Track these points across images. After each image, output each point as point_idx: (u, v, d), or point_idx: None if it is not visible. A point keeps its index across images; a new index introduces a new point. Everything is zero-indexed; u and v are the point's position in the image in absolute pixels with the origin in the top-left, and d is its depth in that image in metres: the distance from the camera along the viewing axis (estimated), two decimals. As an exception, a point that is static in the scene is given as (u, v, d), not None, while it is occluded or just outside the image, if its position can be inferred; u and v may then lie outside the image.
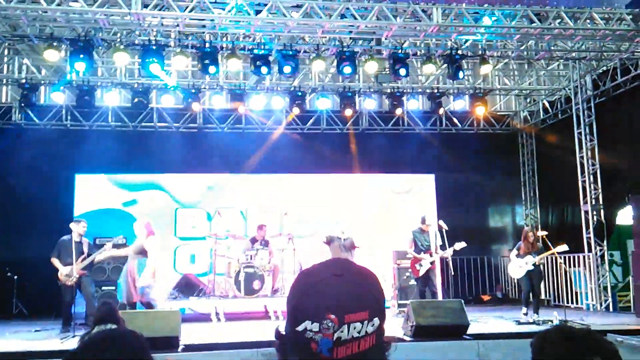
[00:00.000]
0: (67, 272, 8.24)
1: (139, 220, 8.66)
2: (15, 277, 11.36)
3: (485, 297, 12.76)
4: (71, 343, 6.97)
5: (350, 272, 1.06)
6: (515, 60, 11.88)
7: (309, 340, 0.98)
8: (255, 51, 9.92)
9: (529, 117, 14.09)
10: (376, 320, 1.01)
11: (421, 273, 9.12)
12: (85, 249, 8.52)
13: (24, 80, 10.99)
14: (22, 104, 11.11)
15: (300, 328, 0.99)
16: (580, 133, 11.50)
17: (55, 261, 8.38)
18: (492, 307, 11.50)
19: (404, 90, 12.03)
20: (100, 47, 10.05)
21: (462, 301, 7.41)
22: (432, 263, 9.11)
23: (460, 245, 8.99)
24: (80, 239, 8.60)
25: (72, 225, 8.71)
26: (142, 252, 8.05)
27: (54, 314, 9.53)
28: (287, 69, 9.83)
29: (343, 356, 0.98)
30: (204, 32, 10.01)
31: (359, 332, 0.98)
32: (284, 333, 1.06)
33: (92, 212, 11.44)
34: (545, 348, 1.39)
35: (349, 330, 0.97)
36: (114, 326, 4.43)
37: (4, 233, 11.50)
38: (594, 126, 11.34)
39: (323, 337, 0.97)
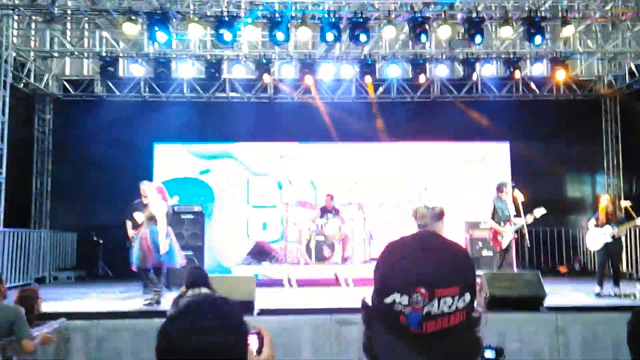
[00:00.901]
0: (134, 233, 8.23)
1: (150, 184, 8.24)
2: (101, 241, 12.12)
3: (563, 269, 12.36)
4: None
5: (440, 246, 1.04)
6: (598, 21, 11.16)
7: (398, 313, 0.97)
8: (325, 19, 9.84)
9: (613, 82, 13.29)
10: (467, 296, 0.99)
11: (504, 245, 8.60)
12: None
13: (104, 54, 11.45)
14: (103, 77, 11.61)
15: (388, 300, 0.98)
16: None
17: (127, 223, 8.54)
18: (569, 280, 11.13)
19: (478, 56, 11.61)
20: (175, 20, 10.29)
21: (539, 272, 7.20)
22: (514, 233, 8.69)
23: (540, 211, 8.48)
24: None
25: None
26: (152, 219, 7.68)
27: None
28: (362, 38, 9.70)
29: (432, 330, 0.97)
30: (273, 2, 10.02)
31: (449, 307, 0.97)
32: (370, 304, 1.05)
33: (171, 181, 11.88)
34: None
35: (439, 305, 0.96)
36: (206, 290, 4.61)
37: (89, 200, 12.18)
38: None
39: (412, 310, 0.96)
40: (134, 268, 7.71)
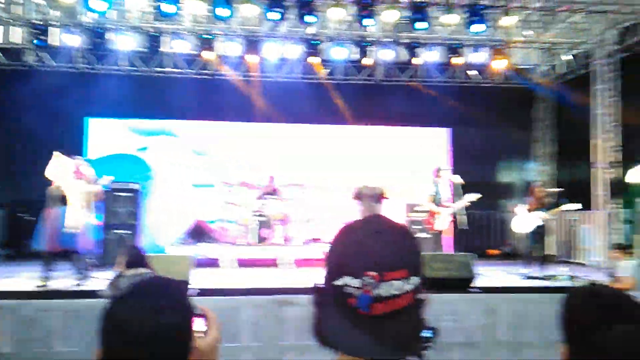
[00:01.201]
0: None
1: (60, 157, 7.60)
2: (31, 218, 11.60)
3: (492, 252, 12.85)
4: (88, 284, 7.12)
5: (390, 229, 1.06)
6: (536, 11, 11.50)
7: (348, 295, 1.00)
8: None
9: (548, 72, 13.81)
10: (414, 279, 1.02)
11: (436, 227, 9.00)
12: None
13: (36, 21, 10.85)
14: (35, 45, 11.01)
15: (339, 283, 1.00)
16: (599, 89, 11.27)
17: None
18: (500, 262, 11.59)
19: (422, 41, 11.76)
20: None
21: (472, 255, 7.45)
22: (449, 215, 8.98)
23: (473, 196, 8.82)
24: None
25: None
26: (62, 198, 7.29)
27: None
28: (309, 19, 9.62)
29: (380, 312, 0.99)
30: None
31: (397, 290, 0.99)
32: (321, 287, 1.07)
33: (106, 157, 11.51)
34: (576, 309, 1.36)
35: (388, 288, 0.99)
36: (145, 270, 4.51)
37: (18, 175, 11.62)
38: (615, 83, 11.09)
39: (363, 292, 0.99)
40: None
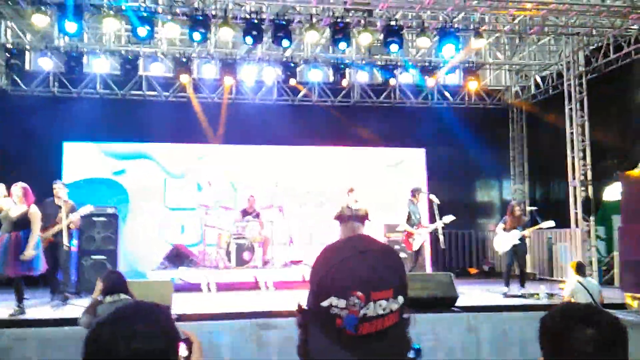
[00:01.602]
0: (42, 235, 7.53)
1: (17, 185, 7.31)
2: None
3: (472, 271, 12.95)
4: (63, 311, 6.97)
5: (375, 249, 1.07)
6: (506, 34, 11.80)
7: (334, 316, 1.00)
8: (247, 20, 9.75)
9: (520, 93, 14.12)
10: (400, 298, 1.03)
11: (414, 247, 9.09)
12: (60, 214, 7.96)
13: (10, 45, 10.74)
14: (8, 69, 10.89)
15: (325, 304, 1.00)
16: (571, 109, 11.54)
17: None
18: (479, 281, 11.68)
19: (397, 63, 11.95)
20: (88, 13, 9.83)
21: (452, 274, 7.51)
22: (425, 236, 9.12)
23: (449, 218, 9.05)
24: (61, 202, 8.08)
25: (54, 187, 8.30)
26: (25, 222, 7.01)
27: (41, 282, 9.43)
28: (285, 43, 9.72)
29: (367, 332, 0.99)
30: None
31: (384, 310, 1.00)
32: (306, 308, 1.07)
33: (82, 181, 11.33)
34: (549, 320, 1.47)
35: (374, 308, 0.99)
36: (125, 296, 4.42)
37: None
38: (585, 102, 11.37)
39: (349, 313, 0.99)
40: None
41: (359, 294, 0.98)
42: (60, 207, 8.04)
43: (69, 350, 4.30)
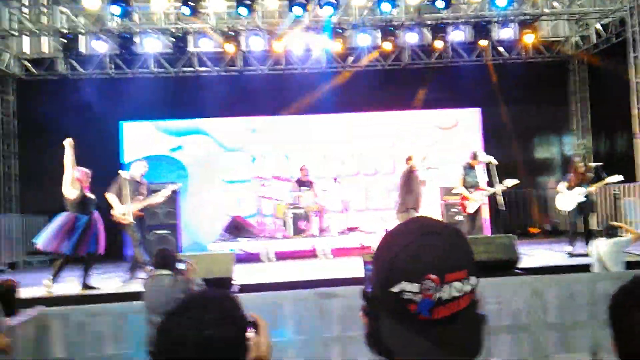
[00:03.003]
0: (124, 210, 7.77)
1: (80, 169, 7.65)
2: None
3: (534, 230, 12.64)
4: (132, 285, 7.27)
5: (443, 230, 1.03)
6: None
7: (407, 301, 0.96)
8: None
9: (580, 43, 13.42)
10: (473, 279, 0.99)
11: (469, 210, 8.94)
12: (144, 191, 8.09)
13: (65, 30, 11.06)
14: (66, 55, 11.24)
15: (396, 289, 0.97)
16: (635, 57, 10.90)
17: (112, 197, 7.79)
18: (542, 241, 11.40)
19: (448, 21, 11.56)
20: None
21: (514, 236, 7.34)
22: (481, 199, 8.94)
23: (511, 182, 8.77)
24: (140, 179, 8.17)
25: (133, 165, 8.47)
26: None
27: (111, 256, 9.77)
28: (327, 10, 9.57)
29: (442, 316, 0.96)
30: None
31: (458, 292, 0.97)
32: (371, 294, 1.03)
33: (141, 159, 11.67)
34: (618, 301, 1.25)
35: (450, 290, 0.96)
36: (168, 271, 4.66)
37: (59, 182, 11.85)
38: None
39: (424, 297, 0.95)
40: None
41: (433, 276, 0.95)
42: (138, 183, 8.10)
43: (140, 323, 4.50)
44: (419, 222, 1.06)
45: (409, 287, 0.96)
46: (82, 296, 6.90)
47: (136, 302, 4.85)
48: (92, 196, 7.56)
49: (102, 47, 11.19)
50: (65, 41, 10.89)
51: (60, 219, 7.30)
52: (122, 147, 11.89)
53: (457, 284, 0.96)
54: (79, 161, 10.24)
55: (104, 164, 10.70)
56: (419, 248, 0.98)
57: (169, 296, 4.36)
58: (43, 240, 7.16)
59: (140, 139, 12.02)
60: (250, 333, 1.23)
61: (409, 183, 8.79)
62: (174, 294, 4.38)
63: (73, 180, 7.44)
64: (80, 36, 11.26)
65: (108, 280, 8.16)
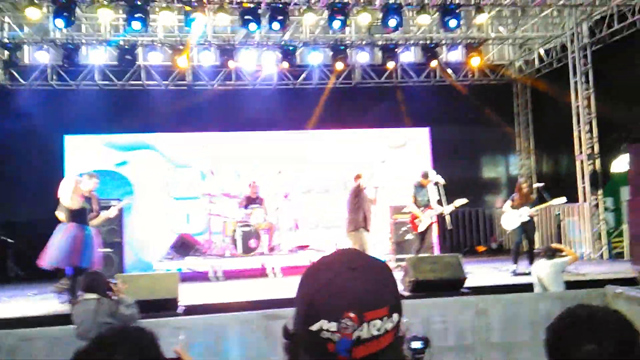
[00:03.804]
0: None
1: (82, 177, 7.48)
2: (9, 240, 11.33)
3: (480, 249, 12.89)
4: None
5: (365, 264, 0.98)
6: (508, 7, 11.57)
7: (325, 340, 0.92)
8: (244, 4, 9.61)
9: (523, 67, 13.92)
10: (395, 316, 0.95)
11: (420, 229, 9.03)
12: (95, 206, 7.64)
13: (6, 40, 10.64)
14: (6, 64, 10.82)
15: (314, 328, 0.92)
16: (576, 82, 11.36)
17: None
18: (487, 259, 11.62)
19: (397, 42, 11.78)
20: (83, 3, 9.71)
21: (459, 255, 7.44)
22: (431, 218, 9.05)
23: (460, 201, 8.95)
24: (90, 194, 7.60)
25: (83, 179, 7.76)
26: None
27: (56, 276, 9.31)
28: (275, 26, 9.58)
29: (361, 356, 0.92)
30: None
31: (378, 330, 0.92)
32: (293, 332, 0.99)
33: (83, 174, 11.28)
34: (555, 330, 1.34)
35: (369, 329, 0.92)
36: (93, 295, 4.49)
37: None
38: (590, 74, 11.19)
39: (341, 336, 0.91)
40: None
41: (352, 315, 0.91)
42: (88, 199, 7.54)
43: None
44: (342, 256, 1.02)
45: (326, 326, 0.92)
46: (15, 319, 6.55)
47: (72, 326, 4.63)
48: (88, 206, 7.29)
49: (44, 57, 10.81)
50: (5, 50, 10.48)
51: (67, 232, 6.88)
52: (65, 161, 11.46)
53: (377, 322, 0.92)
54: (20, 175, 9.80)
55: (46, 178, 10.29)
56: (340, 285, 0.94)
57: (94, 321, 4.21)
58: (56, 257, 6.77)
59: (84, 153, 11.61)
60: None
61: (357, 201, 8.79)
62: (99, 318, 4.22)
63: (76, 189, 7.03)
64: (22, 46, 10.87)
65: (45, 301, 7.79)
